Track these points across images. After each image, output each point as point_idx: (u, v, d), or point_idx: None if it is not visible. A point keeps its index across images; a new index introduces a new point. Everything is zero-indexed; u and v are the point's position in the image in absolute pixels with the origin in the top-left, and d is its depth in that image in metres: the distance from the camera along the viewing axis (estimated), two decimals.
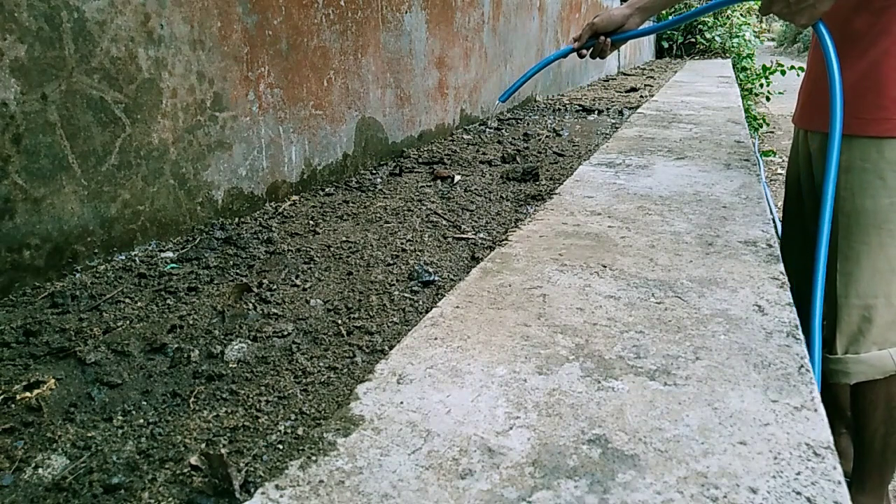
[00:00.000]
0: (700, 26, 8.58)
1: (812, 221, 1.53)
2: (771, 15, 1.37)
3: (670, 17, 1.81)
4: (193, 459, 0.70)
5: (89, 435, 0.77)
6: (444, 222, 1.60)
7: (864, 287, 1.34)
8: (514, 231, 1.39)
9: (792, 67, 6.21)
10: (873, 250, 1.32)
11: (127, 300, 1.13)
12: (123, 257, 1.30)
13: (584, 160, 2.12)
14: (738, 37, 8.36)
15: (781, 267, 1.15)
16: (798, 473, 0.62)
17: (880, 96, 1.27)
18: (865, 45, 1.30)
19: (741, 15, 8.63)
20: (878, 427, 1.43)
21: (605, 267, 1.17)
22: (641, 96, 4.30)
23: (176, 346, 0.97)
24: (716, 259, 1.19)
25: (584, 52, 1.74)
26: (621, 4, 1.82)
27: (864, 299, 1.35)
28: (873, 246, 1.32)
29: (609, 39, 1.69)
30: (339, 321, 1.06)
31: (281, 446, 0.74)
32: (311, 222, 1.59)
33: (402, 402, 0.75)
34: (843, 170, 1.32)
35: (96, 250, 1.25)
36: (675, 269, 1.15)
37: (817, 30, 1.31)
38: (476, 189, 1.91)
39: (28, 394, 0.84)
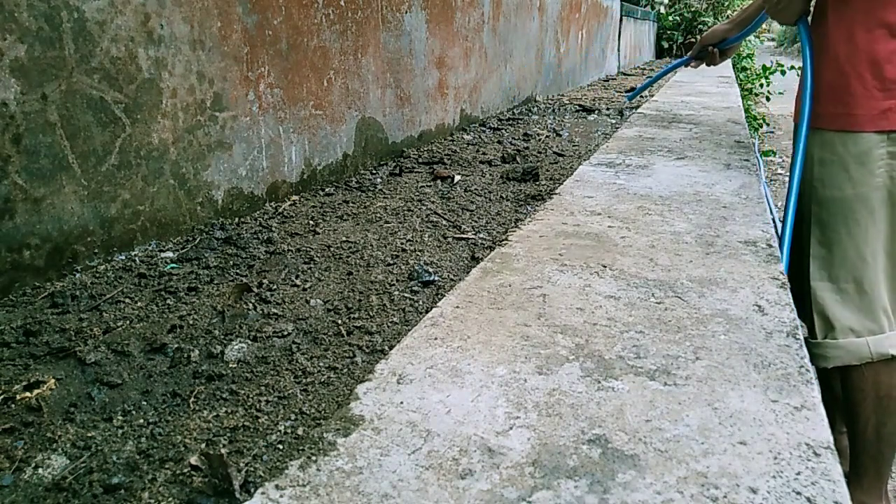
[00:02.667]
0: (700, 26, 8.59)
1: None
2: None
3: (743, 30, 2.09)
4: (193, 459, 0.70)
5: (89, 435, 0.77)
6: (444, 222, 1.60)
7: (835, 274, 1.42)
8: (514, 231, 1.39)
9: (792, 67, 6.20)
10: (843, 239, 1.40)
11: (127, 300, 1.13)
12: (123, 257, 1.30)
13: (584, 160, 2.12)
14: None
15: (781, 267, 1.15)
16: (798, 473, 0.62)
17: (844, 93, 1.37)
18: (835, 45, 1.40)
19: None
20: (870, 416, 1.45)
21: (605, 267, 1.17)
22: (641, 96, 4.30)
23: (176, 346, 0.97)
24: (716, 259, 1.19)
25: (696, 61, 2.21)
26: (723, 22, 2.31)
27: (836, 284, 1.42)
28: (842, 235, 1.40)
29: (717, 49, 2.12)
30: (339, 321, 1.06)
31: (281, 446, 0.74)
32: (311, 222, 1.59)
33: (402, 402, 0.75)
34: (817, 162, 1.42)
35: (96, 250, 1.25)
36: (675, 269, 1.15)
37: (798, 29, 1.49)
38: (476, 189, 1.91)
39: (28, 394, 0.84)
